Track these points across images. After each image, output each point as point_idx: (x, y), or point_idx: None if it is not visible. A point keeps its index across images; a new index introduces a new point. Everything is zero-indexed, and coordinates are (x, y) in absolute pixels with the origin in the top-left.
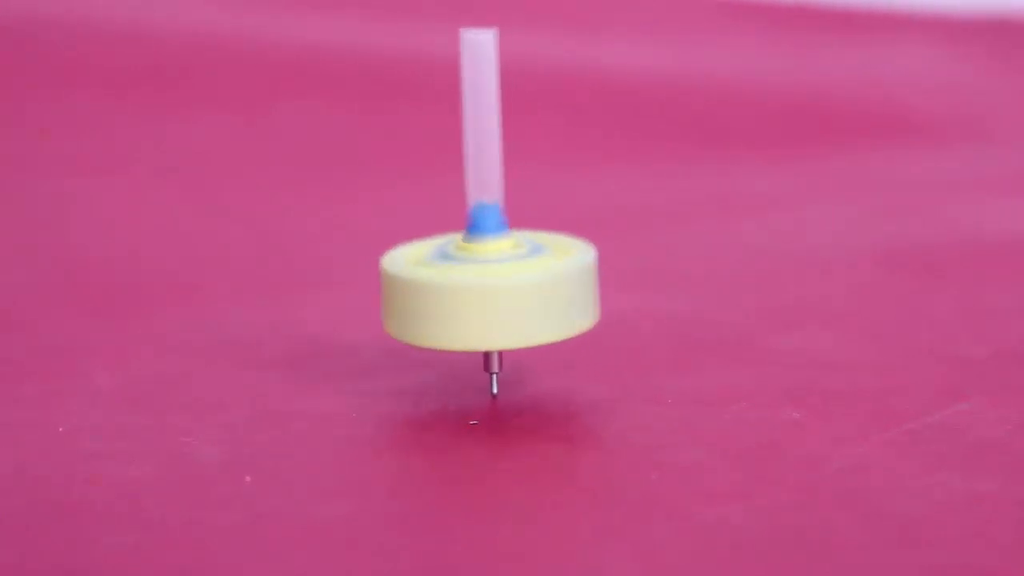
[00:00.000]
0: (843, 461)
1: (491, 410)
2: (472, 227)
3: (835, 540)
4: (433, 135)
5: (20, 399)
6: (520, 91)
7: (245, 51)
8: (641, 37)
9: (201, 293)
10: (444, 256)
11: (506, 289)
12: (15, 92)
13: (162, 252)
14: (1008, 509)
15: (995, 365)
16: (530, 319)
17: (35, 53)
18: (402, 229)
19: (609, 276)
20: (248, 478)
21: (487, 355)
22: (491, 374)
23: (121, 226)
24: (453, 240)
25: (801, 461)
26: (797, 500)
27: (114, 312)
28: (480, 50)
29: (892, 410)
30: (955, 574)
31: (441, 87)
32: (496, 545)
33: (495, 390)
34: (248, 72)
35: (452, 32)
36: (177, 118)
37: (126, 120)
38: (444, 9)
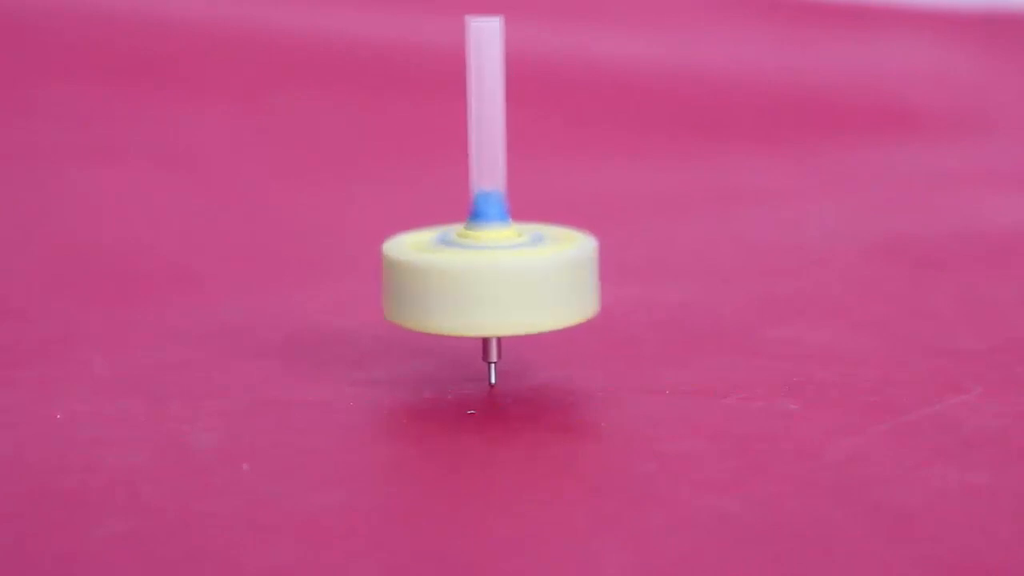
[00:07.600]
0: (839, 452)
1: (489, 400)
2: (475, 215)
3: (831, 531)
4: (435, 127)
5: (18, 385)
6: (519, 83)
7: (246, 41)
8: (642, 29)
9: (200, 281)
10: (446, 242)
11: (510, 274)
12: (15, 80)
13: (161, 240)
14: (1004, 501)
15: (992, 358)
16: (533, 305)
17: (36, 42)
18: (402, 220)
19: (607, 267)
20: (245, 466)
21: (486, 344)
22: (489, 363)
23: (119, 214)
24: (455, 228)
25: (797, 452)
26: (793, 491)
27: (112, 300)
28: (486, 38)
29: (889, 402)
30: (951, 566)
31: (444, 78)
32: (493, 534)
33: (493, 379)
34: (248, 62)
35: (456, 22)
36: (177, 107)
37: (126, 109)
38: None
